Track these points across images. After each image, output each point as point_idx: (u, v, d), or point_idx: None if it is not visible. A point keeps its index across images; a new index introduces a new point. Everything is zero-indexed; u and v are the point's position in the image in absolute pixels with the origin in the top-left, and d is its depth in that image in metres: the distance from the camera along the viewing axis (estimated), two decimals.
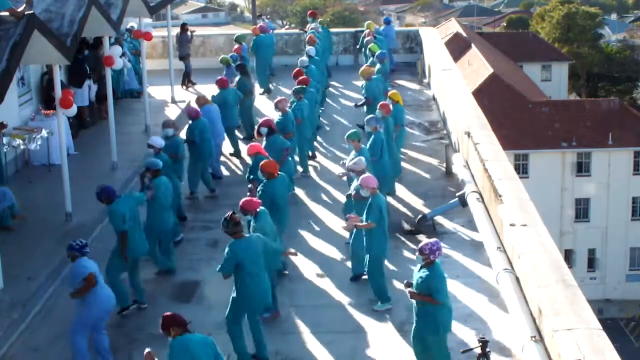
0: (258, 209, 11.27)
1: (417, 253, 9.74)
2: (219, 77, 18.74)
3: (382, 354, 10.94)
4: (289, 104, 17.02)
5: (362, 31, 27.20)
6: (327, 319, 11.89)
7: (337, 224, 14.63)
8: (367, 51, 22.22)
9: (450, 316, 9.82)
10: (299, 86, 17.76)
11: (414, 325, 9.89)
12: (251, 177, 13.58)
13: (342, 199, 15.90)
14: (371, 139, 14.97)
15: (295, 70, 19.11)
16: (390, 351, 10.97)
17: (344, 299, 12.42)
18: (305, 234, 14.80)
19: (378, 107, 16.26)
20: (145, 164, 13.37)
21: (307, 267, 13.44)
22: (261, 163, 12.81)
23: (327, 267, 13.51)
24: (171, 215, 13.30)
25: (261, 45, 23.55)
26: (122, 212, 11.70)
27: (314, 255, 13.92)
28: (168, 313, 8.57)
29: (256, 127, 15.55)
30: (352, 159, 13.56)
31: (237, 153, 18.75)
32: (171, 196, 13.21)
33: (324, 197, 16.49)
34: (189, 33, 24.37)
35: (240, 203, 11.25)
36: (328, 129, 20.73)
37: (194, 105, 17.48)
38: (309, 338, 11.33)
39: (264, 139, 14.98)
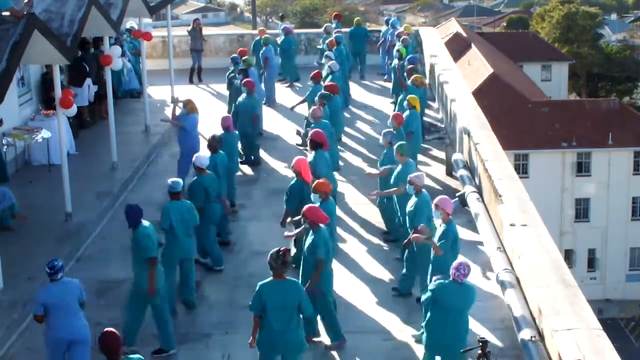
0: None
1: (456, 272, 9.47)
2: (248, 79, 18.23)
3: (382, 354, 10.94)
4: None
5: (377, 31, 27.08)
6: None
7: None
8: (395, 52, 21.55)
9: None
10: (325, 92, 17.23)
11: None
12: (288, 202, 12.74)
13: (352, 198, 15.94)
14: (382, 155, 14.36)
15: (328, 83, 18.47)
16: (390, 351, 10.98)
17: (344, 299, 12.41)
18: None
19: (391, 118, 15.70)
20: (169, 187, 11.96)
21: None
22: (315, 183, 11.83)
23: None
24: (192, 242, 12.06)
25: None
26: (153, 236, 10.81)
27: None
28: (110, 330, 7.80)
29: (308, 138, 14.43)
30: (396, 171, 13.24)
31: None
32: (193, 221, 11.93)
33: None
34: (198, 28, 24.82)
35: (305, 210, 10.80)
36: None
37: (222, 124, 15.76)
38: (308, 338, 11.31)
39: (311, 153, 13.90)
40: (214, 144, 14.09)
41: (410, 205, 12.02)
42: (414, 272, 12.04)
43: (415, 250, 11.79)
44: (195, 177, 13.09)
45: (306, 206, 10.92)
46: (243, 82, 18.15)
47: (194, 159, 13.30)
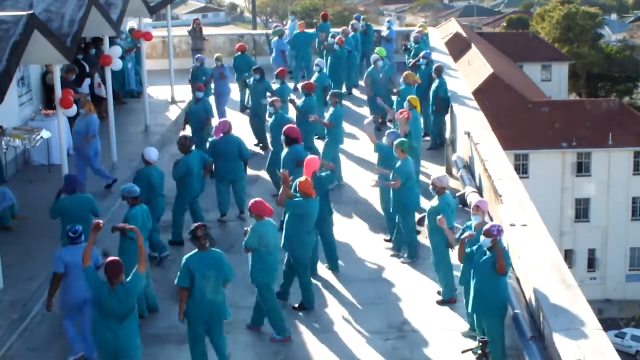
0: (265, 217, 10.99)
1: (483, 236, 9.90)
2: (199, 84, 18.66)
3: (382, 354, 10.94)
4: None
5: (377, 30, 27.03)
6: (326, 320, 11.90)
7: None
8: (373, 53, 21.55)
9: None
10: (336, 90, 17.58)
11: None
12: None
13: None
14: (383, 154, 14.36)
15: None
16: (390, 351, 10.98)
17: (343, 299, 12.43)
18: None
19: (398, 114, 15.66)
20: (121, 191, 12.25)
21: None
22: (298, 180, 11.82)
23: (325, 268, 13.51)
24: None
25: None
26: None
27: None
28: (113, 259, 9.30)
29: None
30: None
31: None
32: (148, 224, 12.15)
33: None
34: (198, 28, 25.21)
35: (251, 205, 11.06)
36: None
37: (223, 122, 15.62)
38: (308, 338, 11.34)
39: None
40: (187, 143, 14.26)
41: (431, 205, 12.00)
42: (447, 274, 12.11)
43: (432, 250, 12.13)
44: (142, 168, 13.39)
45: (252, 200, 11.17)
46: (196, 85, 18.37)
47: (143, 152, 13.54)
